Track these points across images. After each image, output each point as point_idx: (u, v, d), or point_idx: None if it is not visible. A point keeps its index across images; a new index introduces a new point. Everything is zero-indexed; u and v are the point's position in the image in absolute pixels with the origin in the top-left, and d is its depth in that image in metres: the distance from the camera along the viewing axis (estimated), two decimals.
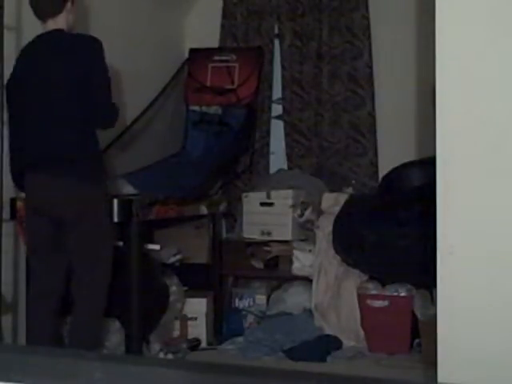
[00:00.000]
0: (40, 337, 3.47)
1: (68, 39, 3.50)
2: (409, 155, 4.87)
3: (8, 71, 3.55)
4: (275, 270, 4.95)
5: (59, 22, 3.48)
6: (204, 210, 4.70)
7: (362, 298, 4.54)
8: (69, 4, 3.52)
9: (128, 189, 4.18)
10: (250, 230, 5.00)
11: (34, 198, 3.48)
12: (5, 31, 3.61)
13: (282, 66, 5.48)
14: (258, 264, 4.96)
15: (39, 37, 3.49)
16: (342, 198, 4.78)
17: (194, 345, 4.54)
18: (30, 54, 3.50)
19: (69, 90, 3.37)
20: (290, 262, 4.84)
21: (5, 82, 3.55)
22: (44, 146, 3.40)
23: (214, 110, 5.40)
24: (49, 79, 3.40)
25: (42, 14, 3.48)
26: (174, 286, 4.48)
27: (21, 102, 3.49)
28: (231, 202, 5.21)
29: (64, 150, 3.38)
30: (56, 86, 3.38)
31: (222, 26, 5.61)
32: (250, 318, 4.82)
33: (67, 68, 3.39)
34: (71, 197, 3.38)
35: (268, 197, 4.96)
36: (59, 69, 3.39)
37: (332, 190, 5.03)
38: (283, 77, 5.47)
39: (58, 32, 3.47)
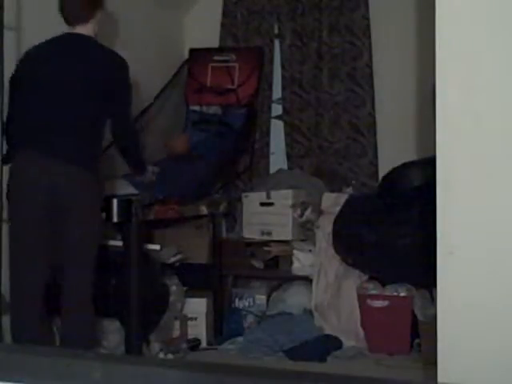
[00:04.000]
0: (28, 340, 3.31)
1: (98, 49, 3.48)
2: (409, 155, 4.86)
3: (8, 71, 3.54)
4: (275, 270, 4.95)
5: (88, 30, 3.47)
6: (204, 210, 4.69)
7: (361, 297, 4.54)
8: (99, 13, 3.51)
9: (128, 189, 4.18)
10: (250, 230, 5.00)
11: (25, 183, 3.37)
12: (5, 31, 3.60)
13: (282, 66, 5.48)
14: (258, 264, 4.96)
15: (66, 36, 3.48)
16: (342, 198, 4.78)
17: (194, 345, 4.54)
18: (55, 51, 3.47)
19: (83, 92, 3.38)
20: (290, 262, 4.84)
21: (5, 81, 3.53)
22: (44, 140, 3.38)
23: (214, 110, 5.40)
24: (68, 80, 3.39)
25: (71, 20, 3.45)
26: (174, 286, 4.48)
27: (31, 93, 3.44)
28: (231, 202, 5.20)
29: (66, 153, 3.36)
30: (72, 87, 3.38)
31: (222, 25, 5.61)
32: (250, 318, 4.82)
33: (89, 73, 3.40)
34: (60, 181, 3.32)
35: (268, 197, 4.96)
36: (80, 72, 3.39)
37: (332, 190, 5.03)
38: (283, 77, 5.47)
39: (88, 38, 3.46)
